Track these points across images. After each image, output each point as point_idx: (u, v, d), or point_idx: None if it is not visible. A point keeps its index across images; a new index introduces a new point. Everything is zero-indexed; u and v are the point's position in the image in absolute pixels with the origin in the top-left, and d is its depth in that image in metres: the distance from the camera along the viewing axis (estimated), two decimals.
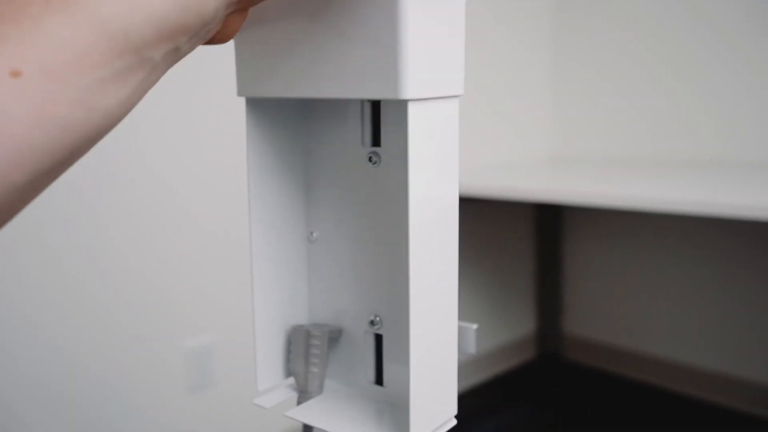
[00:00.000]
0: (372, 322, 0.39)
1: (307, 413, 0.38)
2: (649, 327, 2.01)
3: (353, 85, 0.32)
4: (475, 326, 0.42)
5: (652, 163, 1.89)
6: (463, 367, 1.99)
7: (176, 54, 0.26)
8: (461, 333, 0.43)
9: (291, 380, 0.41)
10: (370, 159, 0.38)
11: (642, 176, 1.52)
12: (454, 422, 0.39)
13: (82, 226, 1.21)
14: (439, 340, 0.36)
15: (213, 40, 0.29)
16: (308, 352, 0.39)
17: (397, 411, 0.38)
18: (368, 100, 0.36)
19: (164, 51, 0.24)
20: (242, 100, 0.37)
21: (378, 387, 0.40)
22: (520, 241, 2.18)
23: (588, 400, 1.90)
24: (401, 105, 0.31)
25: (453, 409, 0.39)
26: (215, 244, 1.39)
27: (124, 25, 0.22)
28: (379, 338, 0.39)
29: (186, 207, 1.34)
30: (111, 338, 1.26)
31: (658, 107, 1.91)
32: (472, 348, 0.43)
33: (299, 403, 0.40)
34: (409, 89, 0.31)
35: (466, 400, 1.92)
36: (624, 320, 2.07)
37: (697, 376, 1.90)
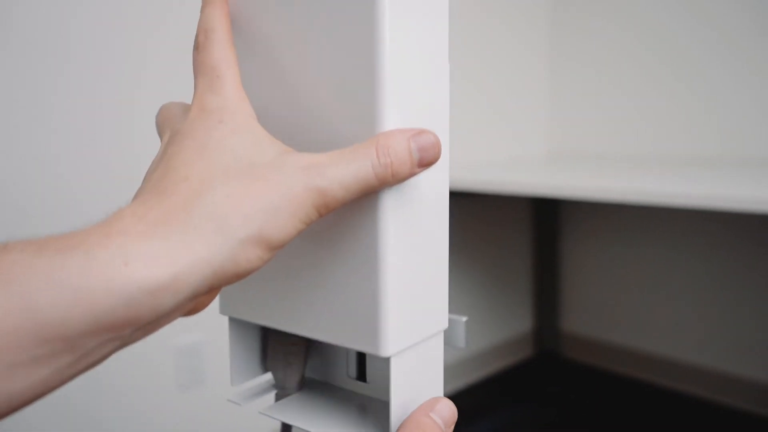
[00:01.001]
0: None
1: (284, 411, 0.35)
2: (648, 324, 1.99)
3: (335, 331, 0.31)
4: (464, 319, 0.39)
5: (650, 159, 1.88)
6: (461, 365, 1.97)
7: (119, 342, 0.23)
8: (450, 326, 0.40)
9: (269, 376, 0.39)
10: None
11: (640, 172, 1.51)
12: None
13: (72, 223, 1.19)
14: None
15: (185, 315, 0.27)
16: (287, 347, 0.37)
17: (380, 407, 0.36)
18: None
19: (101, 341, 0.22)
20: None
21: (360, 383, 0.37)
22: (518, 237, 2.17)
23: (586, 398, 1.89)
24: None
25: None
26: None
27: (59, 316, 0.20)
28: None
29: None
30: None
31: (655, 104, 1.89)
32: (461, 342, 0.40)
33: (277, 399, 0.37)
34: (390, 347, 0.30)
35: (463, 398, 1.91)
36: (622, 317, 2.06)
37: (695, 373, 1.89)
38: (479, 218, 2.01)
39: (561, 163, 1.86)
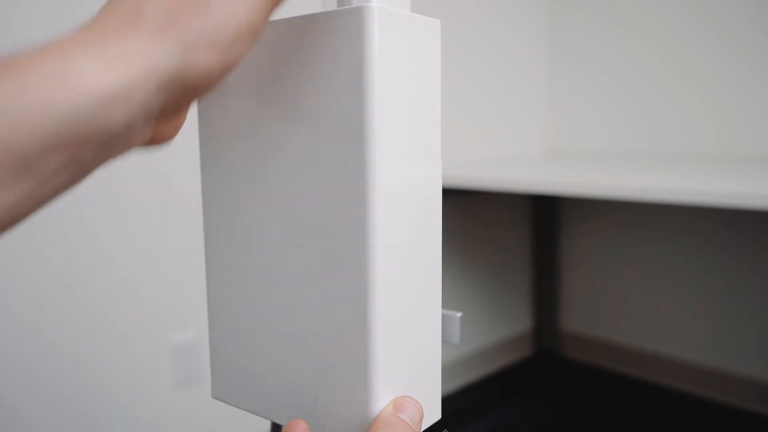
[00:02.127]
0: None
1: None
2: (647, 323, 1.99)
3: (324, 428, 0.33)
4: (459, 314, 0.39)
5: (649, 156, 1.87)
6: (460, 364, 1.97)
7: (78, 166, 0.22)
8: (445, 322, 0.40)
9: None
10: None
11: (638, 168, 1.50)
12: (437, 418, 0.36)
13: (69, 224, 1.19)
14: (419, 332, 0.34)
15: (149, 144, 0.26)
16: None
17: None
18: None
19: (59, 163, 0.21)
20: None
21: None
22: (517, 236, 2.16)
23: (585, 397, 1.88)
24: None
25: (436, 412, 0.36)
26: (201, 241, 1.37)
27: (8, 137, 0.20)
28: None
29: (171, 204, 1.32)
30: (97, 335, 1.24)
31: (654, 100, 1.88)
32: (456, 338, 0.40)
33: None
34: None
35: (462, 396, 1.90)
36: (621, 316, 2.05)
37: (695, 372, 1.88)
38: (477, 216, 2.00)
39: (559, 160, 1.85)
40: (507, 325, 2.15)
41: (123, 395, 1.29)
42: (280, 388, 0.35)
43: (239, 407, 0.37)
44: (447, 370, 1.93)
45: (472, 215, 1.98)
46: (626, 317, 2.04)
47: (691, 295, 1.89)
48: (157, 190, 1.30)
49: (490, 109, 1.98)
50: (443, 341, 0.39)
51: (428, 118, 0.32)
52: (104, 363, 1.26)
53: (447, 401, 1.86)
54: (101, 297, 1.25)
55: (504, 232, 2.11)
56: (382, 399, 0.31)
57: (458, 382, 1.97)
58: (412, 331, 0.33)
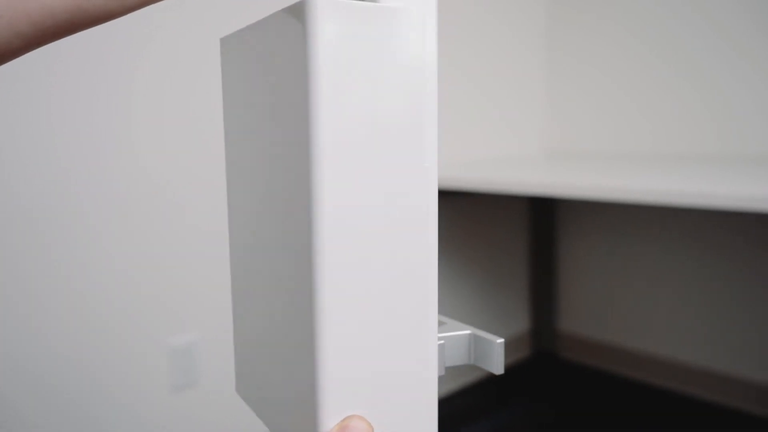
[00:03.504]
0: None
1: None
2: (645, 324, 1.99)
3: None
4: (499, 340, 0.36)
5: (648, 157, 1.87)
6: (457, 366, 1.96)
7: None
8: (486, 346, 0.37)
9: None
10: None
11: (638, 170, 1.50)
12: None
13: (69, 225, 1.18)
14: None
15: None
16: None
17: None
18: None
19: None
20: None
21: None
22: (515, 237, 2.16)
23: (583, 398, 1.88)
24: None
25: None
26: (199, 243, 1.37)
27: None
28: None
29: (170, 205, 1.32)
30: (95, 336, 1.23)
31: (653, 101, 1.88)
32: (497, 367, 0.37)
33: None
34: None
35: (460, 398, 1.90)
36: (619, 317, 2.05)
37: (692, 373, 1.88)
38: (475, 217, 2.00)
39: (558, 161, 1.85)
40: (505, 327, 2.14)
41: (122, 396, 1.28)
42: (268, 397, 0.34)
43: (250, 407, 0.36)
44: (444, 372, 1.92)
45: (470, 216, 1.98)
46: (624, 319, 2.04)
47: (688, 296, 1.89)
48: (156, 193, 1.30)
49: (489, 110, 1.98)
50: (484, 368, 0.38)
51: (406, 117, 0.30)
52: (104, 364, 1.25)
53: (445, 402, 1.86)
54: (101, 298, 1.24)
55: (502, 234, 2.11)
56: (330, 420, 0.29)
57: (456, 384, 1.97)
58: (385, 351, 0.30)
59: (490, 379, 2.02)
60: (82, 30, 0.30)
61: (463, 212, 1.95)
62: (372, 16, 0.28)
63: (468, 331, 0.37)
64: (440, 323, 0.39)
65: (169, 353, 1.34)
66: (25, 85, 1.12)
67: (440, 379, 1.94)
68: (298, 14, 0.28)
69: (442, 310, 1.88)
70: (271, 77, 0.31)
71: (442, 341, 0.36)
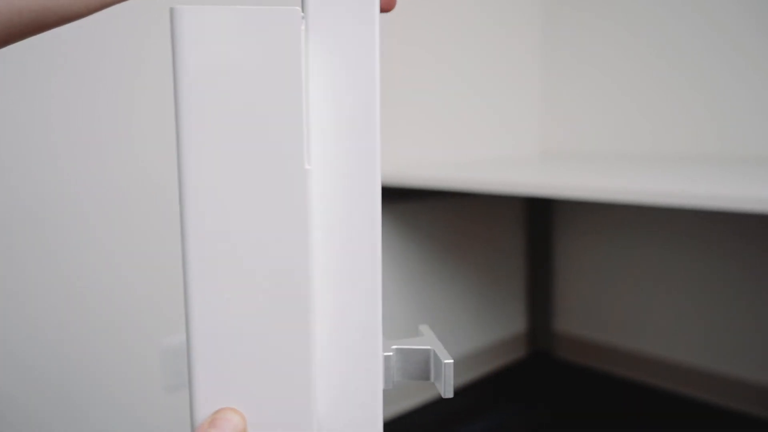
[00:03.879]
0: None
1: None
2: (642, 325, 1.98)
3: None
4: (448, 361, 0.36)
5: (646, 158, 1.86)
6: (454, 365, 1.96)
7: None
8: (438, 366, 0.37)
9: None
10: None
11: (634, 170, 1.49)
12: None
13: (67, 223, 1.18)
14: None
15: None
16: None
17: None
18: None
19: None
20: None
21: None
22: (511, 237, 2.16)
23: (579, 399, 1.88)
24: None
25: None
26: None
27: None
28: None
29: (167, 206, 1.31)
30: (93, 335, 1.23)
31: (651, 101, 1.88)
32: (447, 390, 0.37)
33: None
34: None
35: (456, 398, 1.89)
36: (616, 318, 2.05)
37: (690, 374, 1.88)
38: (471, 218, 2.00)
39: (555, 161, 1.85)
40: (501, 327, 2.14)
41: (114, 398, 1.28)
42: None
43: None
44: None
45: (466, 217, 1.97)
46: (621, 319, 2.03)
47: (685, 296, 1.88)
48: (154, 193, 1.29)
49: (485, 110, 1.97)
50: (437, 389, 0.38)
51: (280, 118, 0.30)
52: (99, 363, 1.25)
53: (442, 403, 1.86)
54: (97, 298, 1.23)
55: (498, 234, 2.11)
56: (203, 411, 0.30)
57: (453, 384, 1.96)
58: (263, 352, 0.31)
59: (487, 380, 2.02)
60: (48, 30, 0.31)
61: (459, 213, 1.95)
62: (239, 20, 0.29)
63: (427, 347, 0.36)
64: (419, 334, 0.38)
65: (161, 354, 1.34)
66: (25, 84, 1.11)
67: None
68: (171, 20, 0.29)
69: (440, 312, 1.88)
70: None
71: (390, 353, 0.35)
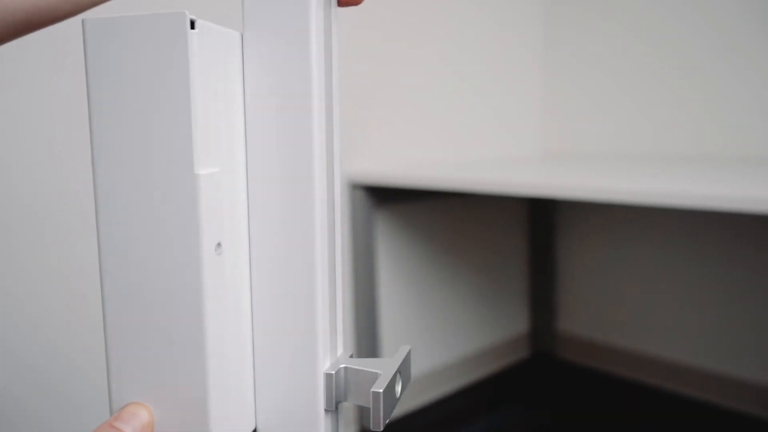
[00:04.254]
0: None
1: None
2: (645, 325, 1.98)
3: None
4: (377, 390, 0.33)
5: (647, 158, 1.86)
6: (456, 366, 1.96)
7: None
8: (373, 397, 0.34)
9: None
10: None
11: (636, 171, 1.49)
12: None
13: (68, 222, 1.18)
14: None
15: None
16: None
17: None
18: None
19: None
20: None
21: None
22: (512, 237, 2.15)
23: (582, 400, 1.87)
24: None
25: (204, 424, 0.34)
26: None
27: None
28: None
29: None
30: (88, 334, 1.23)
31: (652, 101, 1.88)
32: (378, 423, 0.34)
33: None
34: None
35: (458, 399, 1.89)
36: (618, 319, 2.04)
37: (693, 375, 1.87)
38: (473, 218, 1.99)
39: (556, 162, 1.84)
40: (503, 328, 2.14)
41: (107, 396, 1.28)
42: None
43: None
44: (443, 373, 1.92)
45: (467, 217, 1.97)
46: (623, 319, 2.03)
47: (688, 297, 1.88)
48: None
49: (486, 111, 1.97)
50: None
51: (172, 124, 0.31)
52: (100, 362, 1.25)
53: (443, 404, 1.85)
54: (97, 296, 1.23)
55: (500, 234, 2.11)
56: (119, 404, 0.33)
57: (454, 385, 1.96)
58: (168, 345, 0.32)
59: (489, 381, 2.02)
60: (39, 29, 0.32)
61: (461, 213, 1.95)
62: (134, 28, 0.31)
63: (375, 370, 0.35)
64: (397, 352, 0.37)
65: None
66: (24, 81, 1.11)
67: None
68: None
69: (442, 313, 1.88)
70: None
71: (332, 372, 0.34)
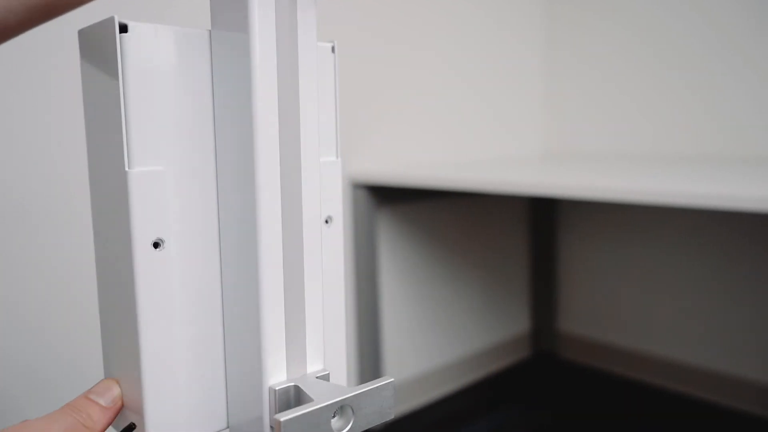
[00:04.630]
0: None
1: None
2: (646, 325, 1.98)
3: None
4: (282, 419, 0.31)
5: (648, 158, 1.86)
6: (457, 366, 1.96)
7: None
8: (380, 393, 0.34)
9: None
10: None
11: (637, 170, 1.49)
12: None
13: (65, 222, 1.18)
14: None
15: None
16: None
17: None
18: None
19: None
20: None
21: None
22: (514, 237, 2.16)
23: (583, 399, 1.88)
24: None
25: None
26: None
27: None
28: None
29: None
30: (82, 334, 1.23)
31: (653, 101, 1.88)
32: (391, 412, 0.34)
33: None
34: None
35: (459, 398, 1.90)
36: (620, 318, 2.04)
37: (694, 374, 1.87)
38: (474, 218, 2.00)
39: (557, 162, 1.85)
40: (504, 327, 2.14)
41: None
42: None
43: None
44: (444, 373, 1.92)
45: (468, 217, 1.97)
46: (624, 319, 2.03)
47: (689, 297, 1.88)
48: None
49: (487, 111, 1.97)
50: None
51: (112, 128, 0.33)
52: (94, 362, 1.25)
53: (444, 403, 1.86)
54: (91, 296, 1.24)
55: (501, 234, 2.11)
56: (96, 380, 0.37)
57: (455, 385, 1.96)
58: (128, 332, 0.34)
59: (490, 380, 2.02)
60: (58, 16, 0.35)
61: (462, 213, 1.95)
62: (93, 34, 0.35)
63: (319, 405, 0.31)
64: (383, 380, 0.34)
65: None
66: (22, 81, 1.12)
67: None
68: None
69: (443, 313, 1.88)
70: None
71: (278, 388, 0.33)
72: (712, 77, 1.75)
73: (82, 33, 0.35)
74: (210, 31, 0.35)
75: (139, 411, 0.33)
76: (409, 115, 1.75)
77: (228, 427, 0.36)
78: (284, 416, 0.29)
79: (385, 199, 1.66)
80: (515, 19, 2.04)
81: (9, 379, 1.15)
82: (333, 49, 0.40)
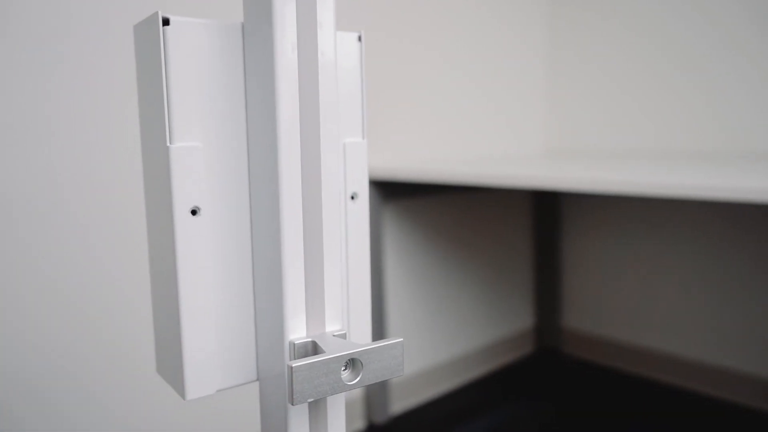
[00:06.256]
0: None
1: None
2: (649, 320, 1.99)
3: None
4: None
5: (650, 154, 1.87)
6: (462, 362, 1.97)
7: None
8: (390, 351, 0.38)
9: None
10: None
11: (640, 166, 1.50)
12: None
13: (59, 228, 1.19)
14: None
15: None
16: None
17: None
18: None
19: None
20: None
21: None
22: (518, 233, 2.17)
23: (587, 395, 1.88)
24: None
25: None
26: None
27: None
28: None
29: None
30: (70, 336, 1.24)
31: (655, 98, 1.89)
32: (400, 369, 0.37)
33: None
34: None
35: (464, 394, 1.91)
36: (623, 313, 2.05)
37: (697, 369, 1.88)
38: (479, 213, 2.01)
39: (560, 158, 1.86)
40: (508, 323, 2.15)
41: (101, 397, 1.29)
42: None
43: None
44: (449, 368, 1.93)
45: (473, 213, 1.98)
46: (628, 315, 2.04)
47: (693, 292, 1.89)
48: (140, 188, 1.30)
49: (490, 108, 1.98)
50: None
51: (157, 108, 0.38)
52: (81, 364, 1.26)
53: (448, 399, 1.87)
54: (79, 298, 1.24)
55: (505, 229, 2.12)
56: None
57: (460, 380, 1.98)
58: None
59: (494, 376, 2.03)
60: None
61: (467, 209, 1.96)
62: (143, 30, 0.38)
63: (329, 350, 0.35)
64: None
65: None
66: (19, 81, 1.13)
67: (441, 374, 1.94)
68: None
69: (447, 308, 1.89)
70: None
71: (298, 341, 0.36)
72: (712, 75, 1.76)
73: (136, 28, 0.38)
74: (242, 23, 0.38)
75: (179, 366, 0.37)
76: (414, 112, 1.77)
77: (258, 379, 0.38)
78: (296, 362, 0.32)
79: (390, 194, 1.68)
80: (518, 19, 2.05)
81: (2, 388, 1.16)
82: (360, 38, 0.43)
